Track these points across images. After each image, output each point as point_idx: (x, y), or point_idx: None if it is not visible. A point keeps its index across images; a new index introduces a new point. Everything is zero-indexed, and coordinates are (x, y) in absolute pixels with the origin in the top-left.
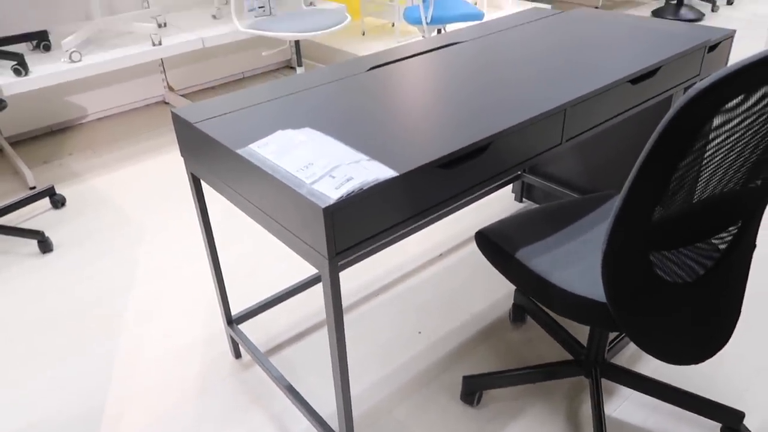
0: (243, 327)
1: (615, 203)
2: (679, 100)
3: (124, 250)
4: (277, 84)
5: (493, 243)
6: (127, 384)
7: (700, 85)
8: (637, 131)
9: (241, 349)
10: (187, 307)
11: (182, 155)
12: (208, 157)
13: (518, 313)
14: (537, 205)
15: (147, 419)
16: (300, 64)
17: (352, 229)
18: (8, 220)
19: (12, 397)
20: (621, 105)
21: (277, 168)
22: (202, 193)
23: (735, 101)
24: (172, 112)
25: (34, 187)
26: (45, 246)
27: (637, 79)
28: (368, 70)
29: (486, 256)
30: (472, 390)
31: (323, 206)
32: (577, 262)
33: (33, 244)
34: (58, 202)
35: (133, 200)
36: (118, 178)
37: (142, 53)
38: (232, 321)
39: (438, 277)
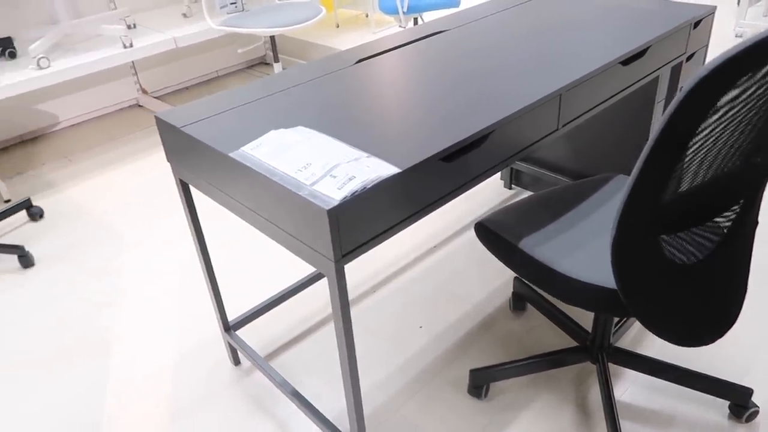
0: (241, 333)
1: (616, 186)
2: (690, 80)
3: (108, 261)
4: (261, 83)
5: (494, 233)
6: (122, 403)
7: (712, 64)
8: (622, 112)
9: (240, 355)
10: (178, 317)
11: (168, 160)
12: (198, 162)
13: (518, 302)
14: (528, 192)
15: None
16: (277, 60)
17: (357, 229)
18: None
19: (1, 422)
20: (614, 87)
21: (274, 170)
22: (191, 199)
23: (743, 78)
24: (156, 116)
25: (9, 200)
26: (26, 261)
27: (627, 60)
28: (355, 64)
29: (487, 247)
30: (480, 383)
31: (327, 208)
32: (582, 249)
33: (13, 259)
34: (36, 214)
35: (113, 208)
36: (95, 186)
37: (112, 56)
38: (229, 327)
39: (435, 269)
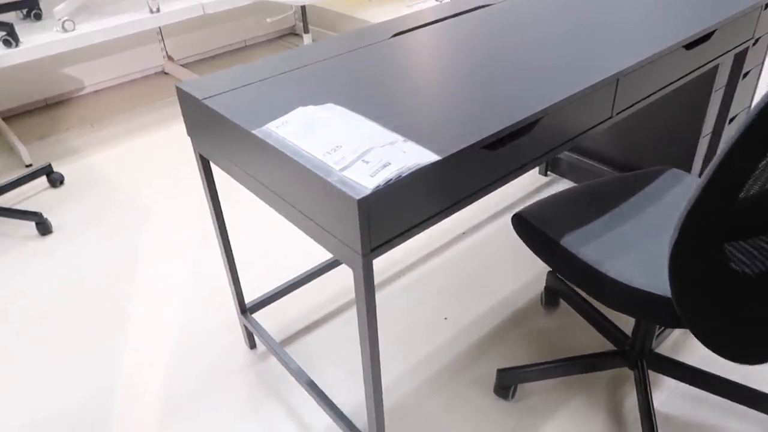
0: (257, 316)
1: (670, 180)
2: None
3: (127, 232)
4: (290, 54)
5: (534, 227)
6: (136, 378)
7: None
8: (672, 100)
9: (256, 339)
10: (196, 294)
11: (189, 134)
12: (220, 138)
13: (551, 297)
14: (564, 180)
15: (157, 416)
16: (307, 31)
17: (389, 221)
18: (4, 200)
19: (15, 393)
20: (674, 73)
21: (300, 151)
22: (212, 177)
23: None
24: (177, 87)
25: (30, 165)
26: (44, 228)
27: (692, 44)
28: (391, 38)
29: (526, 242)
30: (507, 384)
31: (358, 198)
32: (631, 249)
33: (31, 226)
34: (56, 180)
35: (135, 178)
36: (118, 154)
37: (139, 21)
38: (246, 310)
39: (462, 258)
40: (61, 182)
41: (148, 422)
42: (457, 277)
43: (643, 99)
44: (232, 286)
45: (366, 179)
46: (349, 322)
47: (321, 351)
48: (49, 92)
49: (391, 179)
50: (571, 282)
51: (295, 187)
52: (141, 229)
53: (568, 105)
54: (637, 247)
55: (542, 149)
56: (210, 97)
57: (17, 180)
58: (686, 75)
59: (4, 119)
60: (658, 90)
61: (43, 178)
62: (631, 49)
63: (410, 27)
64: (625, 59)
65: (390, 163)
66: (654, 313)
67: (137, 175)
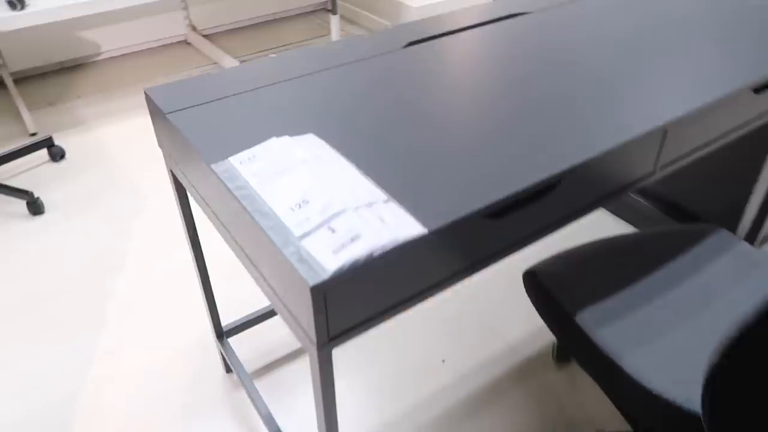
0: (235, 339)
1: (716, 244)
2: None
3: (121, 221)
4: (286, 60)
5: (548, 292)
6: (103, 388)
7: None
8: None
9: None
10: (181, 299)
11: (159, 146)
12: (184, 161)
13: (564, 352)
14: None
15: None
16: (335, 12)
17: (354, 306)
18: (1, 172)
19: None
20: (736, 121)
21: (260, 202)
22: (186, 196)
23: None
24: (145, 92)
25: (35, 134)
26: (35, 208)
27: (762, 87)
28: (405, 47)
29: (536, 307)
30: None
31: (311, 283)
32: (659, 339)
33: (22, 203)
34: (56, 154)
35: (138, 158)
36: (125, 130)
37: None
38: (222, 335)
39: (466, 294)
40: (62, 156)
41: None
42: (459, 315)
43: (694, 151)
44: (208, 311)
45: (327, 256)
46: (334, 354)
47: (294, 388)
48: (65, 55)
49: (358, 260)
50: (582, 367)
51: (252, 244)
52: (135, 219)
53: (601, 160)
54: (666, 335)
55: (561, 213)
56: (176, 111)
57: (16, 152)
58: (750, 123)
59: (15, 82)
60: (715, 140)
61: (44, 150)
62: (684, 87)
63: (428, 35)
64: (676, 102)
65: (360, 236)
66: (676, 428)
67: (141, 155)
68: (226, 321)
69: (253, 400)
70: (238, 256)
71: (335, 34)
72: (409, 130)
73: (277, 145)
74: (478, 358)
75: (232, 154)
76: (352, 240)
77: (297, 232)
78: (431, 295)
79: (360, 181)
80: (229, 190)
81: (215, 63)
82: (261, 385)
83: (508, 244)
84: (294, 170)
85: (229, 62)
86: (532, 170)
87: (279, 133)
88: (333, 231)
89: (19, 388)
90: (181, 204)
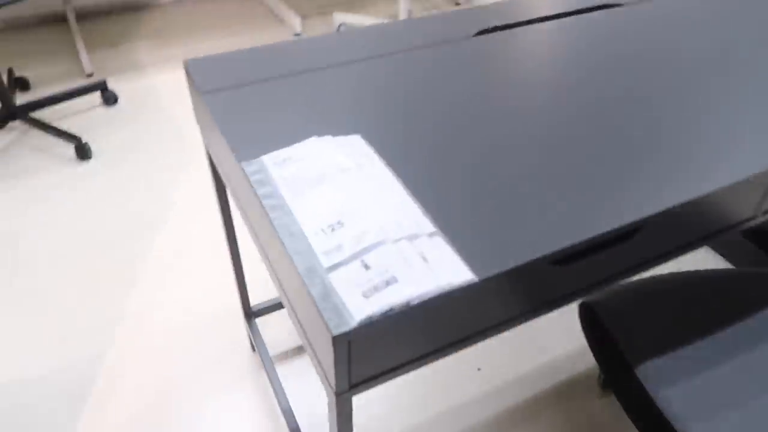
0: (263, 321)
1: None
2: None
3: (166, 175)
4: (344, 39)
5: (606, 331)
6: (126, 352)
7: None
8: None
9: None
10: (217, 267)
11: (197, 121)
12: (216, 147)
13: None
14: None
15: (136, 408)
16: None
17: (383, 354)
18: (52, 112)
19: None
20: None
21: (289, 217)
22: (222, 180)
23: None
24: (184, 64)
25: (91, 74)
26: (82, 152)
27: None
28: (475, 36)
29: (589, 344)
30: None
31: (335, 333)
32: (735, 413)
33: (69, 146)
34: (109, 98)
35: (192, 112)
36: (182, 79)
37: None
38: (251, 314)
39: None
40: (115, 101)
41: (126, 404)
42: None
43: None
44: (238, 289)
45: (357, 300)
46: None
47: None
48: None
49: (391, 310)
50: (632, 421)
51: (276, 257)
52: (180, 176)
53: (695, 203)
54: (749, 408)
55: (637, 260)
56: (213, 91)
57: (69, 93)
58: None
59: (78, 20)
60: None
61: (97, 94)
62: None
63: (501, 24)
64: None
65: (397, 280)
66: None
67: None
68: (256, 300)
69: (271, 382)
70: (260, 255)
71: (403, 11)
72: (469, 143)
73: (316, 147)
74: (516, 371)
75: (266, 151)
76: (387, 283)
77: (325, 262)
78: (474, 342)
79: (405, 204)
80: (257, 196)
81: (280, 19)
82: (282, 368)
83: (574, 290)
84: (331, 180)
85: (292, 19)
86: (614, 211)
87: (322, 131)
88: (366, 267)
89: (46, 341)
90: (215, 179)
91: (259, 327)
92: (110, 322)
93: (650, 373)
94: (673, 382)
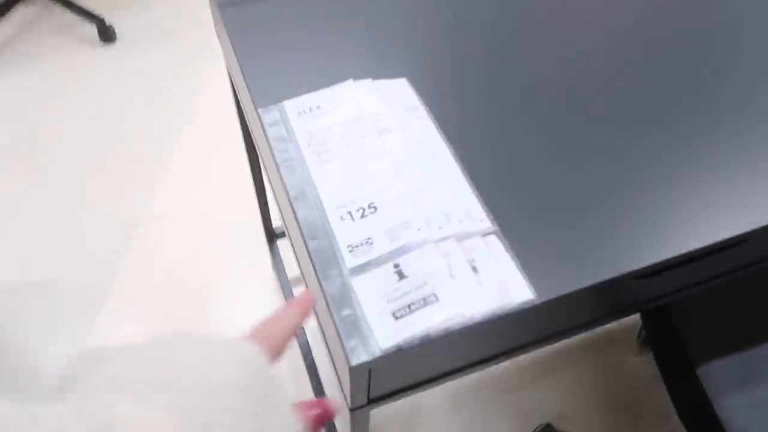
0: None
1: None
2: None
3: (193, 66)
4: None
5: (671, 324)
6: (148, 252)
7: None
8: None
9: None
10: (240, 171)
11: (218, 36)
12: (234, 73)
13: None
14: None
15: (152, 312)
16: None
17: (405, 373)
18: None
19: (6, 244)
20: None
21: (309, 191)
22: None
23: None
24: None
25: None
26: (106, 35)
27: None
28: None
29: (649, 336)
30: None
31: (354, 363)
32: None
33: (93, 27)
34: None
35: None
36: None
37: None
38: (273, 236)
39: None
40: None
41: (143, 311)
42: None
43: None
44: (260, 211)
45: (384, 320)
46: None
47: None
48: None
49: (427, 337)
50: (681, 420)
51: (295, 238)
52: (209, 68)
53: None
54: None
55: (718, 271)
56: (235, 3)
57: None
58: None
59: None
60: None
61: None
62: None
63: None
64: None
65: (437, 299)
66: None
67: None
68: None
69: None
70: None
71: None
72: (550, 109)
73: (352, 94)
74: None
75: (290, 93)
76: (425, 302)
77: (350, 261)
78: (516, 355)
79: (457, 186)
80: (272, 154)
81: None
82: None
83: (647, 299)
84: (367, 144)
85: None
86: (722, 219)
87: (360, 69)
88: (400, 275)
89: (67, 239)
90: (236, 98)
91: (280, 249)
92: (130, 223)
93: (711, 373)
94: (735, 386)
